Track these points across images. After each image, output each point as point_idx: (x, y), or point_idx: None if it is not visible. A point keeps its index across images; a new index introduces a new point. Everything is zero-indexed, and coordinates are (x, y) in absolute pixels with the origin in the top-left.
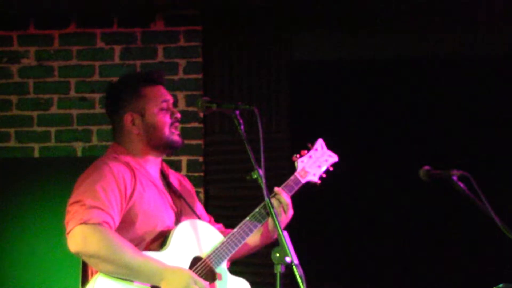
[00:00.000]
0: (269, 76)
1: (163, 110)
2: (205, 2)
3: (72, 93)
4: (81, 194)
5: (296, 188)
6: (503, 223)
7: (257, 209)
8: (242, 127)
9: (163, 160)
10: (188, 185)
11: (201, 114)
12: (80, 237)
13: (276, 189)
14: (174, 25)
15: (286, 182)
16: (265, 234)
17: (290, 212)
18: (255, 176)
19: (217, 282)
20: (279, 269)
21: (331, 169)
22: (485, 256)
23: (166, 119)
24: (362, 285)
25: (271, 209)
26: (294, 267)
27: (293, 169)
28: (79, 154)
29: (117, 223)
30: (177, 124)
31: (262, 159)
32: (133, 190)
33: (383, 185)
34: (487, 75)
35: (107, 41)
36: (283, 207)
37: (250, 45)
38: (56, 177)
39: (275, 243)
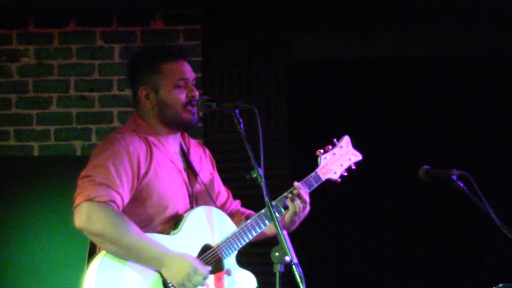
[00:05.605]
0: (269, 75)
1: (179, 88)
2: (205, 1)
3: (72, 92)
4: (92, 168)
5: (316, 185)
6: (502, 222)
7: (273, 202)
8: (241, 126)
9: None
10: (209, 159)
11: (201, 113)
12: (85, 214)
13: (295, 183)
14: (173, 24)
15: (306, 178)
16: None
17: (308, 208)
18: (255, 175)
19: (224, 272)
20: (278, 268)
21: (353, 167)
22: (485, 256)
23: (181, 97)
24: (362, 285)
25: (271, 208)
26: (293, 266)
27: (293, 166)
28: (78, 152)
29: (126, 201)
30: (194, 103)
31: (262, 158)
32: (148, 167)
33: (383, 184)
34: (488, 75)
35: (107, 40)
36: (301, 203)
37: (249, 44)
38: (55, 175)
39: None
